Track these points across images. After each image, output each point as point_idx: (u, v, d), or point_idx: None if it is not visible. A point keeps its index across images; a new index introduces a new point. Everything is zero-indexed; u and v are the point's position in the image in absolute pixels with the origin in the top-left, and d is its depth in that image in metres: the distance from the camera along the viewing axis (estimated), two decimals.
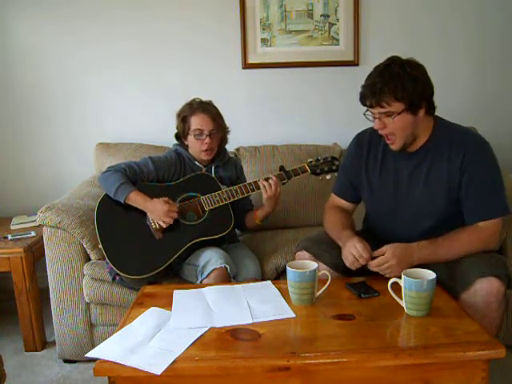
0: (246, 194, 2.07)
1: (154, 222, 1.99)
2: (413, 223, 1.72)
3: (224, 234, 2.03)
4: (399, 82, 1.56)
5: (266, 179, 2.04)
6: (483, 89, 2.85)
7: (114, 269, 1.93)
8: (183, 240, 1.99)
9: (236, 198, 2.06)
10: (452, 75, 2.81)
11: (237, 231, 2.33)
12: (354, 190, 1.89)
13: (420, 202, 1.70)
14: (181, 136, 2.18)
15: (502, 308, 1.50)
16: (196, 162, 2.16)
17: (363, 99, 1.64)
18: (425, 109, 1.62)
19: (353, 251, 1.61)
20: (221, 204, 2.05)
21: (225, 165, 2.23)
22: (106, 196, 2.03)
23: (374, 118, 1.65)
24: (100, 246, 1.97)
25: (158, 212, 1.95)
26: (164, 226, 1.97)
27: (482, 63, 2.83)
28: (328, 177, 2.12)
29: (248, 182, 2.10)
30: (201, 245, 2.01)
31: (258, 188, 2.06)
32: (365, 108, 1.66)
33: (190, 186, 2.09)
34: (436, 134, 1.69)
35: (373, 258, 1.61)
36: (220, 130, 2.15)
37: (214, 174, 2.17)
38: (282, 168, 2.11)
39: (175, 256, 1.96)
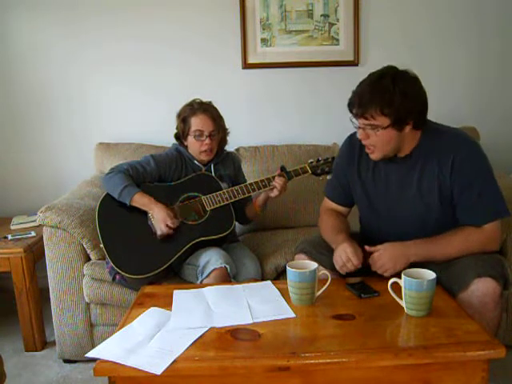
0: (246, 195, 2.08)
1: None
2: (408, 225, 1.71)
3: (225, 233, 2.03)
4: (387, 97, 1.52)
5: (271, 178, 2.07)
6: (483, 89, 2.85)
7: (115, 268, 1.93)
8: (184, 240, 1.99)
9: (237, 198, 2.07)
10: (451, 75, 2.79)
11: (237, 231, 2.34)
12: (346, 193, 1.87)
13: (413, 204, 1.69)
14: (180, 136, 2.18)
15: (498, 308, 1.50)
16: (195, 162, 2.16)
17: (350, 106, 1.63)
18: (411, 125, 1.59)
19: (342, 255, 1.61)
20: (222, 204, 2.05)
21: (224, 161, 2.24)
22: (107, 195, 2.03)
23: (359, 127, 1.63)
24: (101, 245, 1.97)
25: (158, 220, 1.96)
26: (159, 233, 1.97)
27: (482, 63, 2.82)
28: (328, 177, 2.12)
29: (249, 182, 2.12)
30: (201, 245, 2.01)
31: (259, 188, 2.08)
32: None
33: (191, 186, 2.10)
34: (424, 139, 1.65)
35: (369, 255, 1.63)
36: (220, 131, 2.16)
37: (214, 172, 2.17)
38: (282, 168, 2.12)
39: (176, 256, 1.96)
